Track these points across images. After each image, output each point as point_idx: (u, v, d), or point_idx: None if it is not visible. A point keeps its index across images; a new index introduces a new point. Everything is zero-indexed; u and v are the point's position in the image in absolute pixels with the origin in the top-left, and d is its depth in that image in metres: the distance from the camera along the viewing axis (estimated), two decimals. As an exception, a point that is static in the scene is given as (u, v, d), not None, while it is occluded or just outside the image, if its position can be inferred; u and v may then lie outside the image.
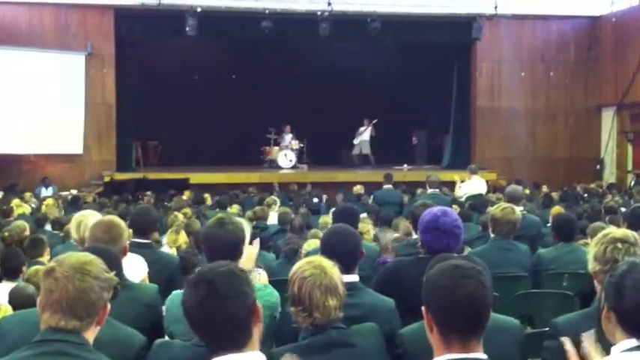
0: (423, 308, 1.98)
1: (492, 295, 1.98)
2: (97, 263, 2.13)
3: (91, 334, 2.10)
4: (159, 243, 5.78)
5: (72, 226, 3.97)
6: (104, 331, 2.45)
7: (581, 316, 2.72)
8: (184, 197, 11.33)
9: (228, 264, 1.98)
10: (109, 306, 2.14)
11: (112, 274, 2.16)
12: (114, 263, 2.74)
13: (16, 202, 9.67)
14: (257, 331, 1.93)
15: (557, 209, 7.56)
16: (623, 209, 7.94)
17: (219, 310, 1.85)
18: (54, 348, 2.01)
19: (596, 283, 2.77)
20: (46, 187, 14.30)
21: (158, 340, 2.61)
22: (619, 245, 2.73)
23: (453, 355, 1.92)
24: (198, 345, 2.39)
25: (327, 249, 3.05)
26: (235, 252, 2.90)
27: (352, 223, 3.94)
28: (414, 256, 3.58)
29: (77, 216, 4.03)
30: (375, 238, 6.04)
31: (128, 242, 3.52)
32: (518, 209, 5.58)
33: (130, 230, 4.33)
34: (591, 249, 2.83)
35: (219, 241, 2.92)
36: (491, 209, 5.10)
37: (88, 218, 3.87)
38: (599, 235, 2.86)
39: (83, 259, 2.11)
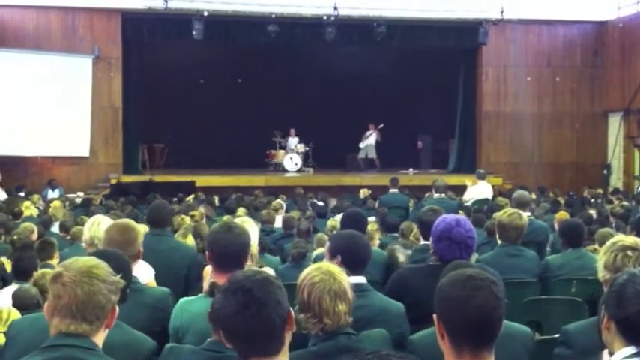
0: (434, 316, 1.98)
1: (504, 305, 1.97)
2: (103, 266, 2.13)
3: (100, 338, 2.11)
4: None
5: (85, 226, 4.02)
6: (115, 335, 2.45)
7: (591, 323, 2.71)
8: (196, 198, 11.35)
9: (261, 272, 2.00)
10: (117, 309, 2.15)
11: (118, 277, 2.16)
12: (123, 267, 2.74)
13: (26, 204, 9.70)
14: (288, 338, 1.95)
15: (562, 214, 7.54)
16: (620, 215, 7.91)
17: (256, 318, 1.87)
18: (64, 353, 2.02)
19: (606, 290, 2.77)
20: (53, 189, 14.34)
21: (168, 344, 2.62)
22: (629, 253, 2.73)
23: (464, 364, 1.92)
24: (208, 349, 2.42)
25: (336, 250, 3.05)
26: (242, 257, 2.91)
27: (360, 228, 3.94)
28: (424, 263, 3.58)
29: (93, 218, 4.09)
30: (382, 246, 6.01)
31: (142, 247, 3.53)
32: (526, 214, 5.57)
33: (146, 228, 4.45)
34: (600, 257, 2.83)
35: (226, 246, 2.92)
36: (497, 215, 5.07)
37: (101, 220, 3.91)
38: (609, 242, 2.86)
39: (90, 263, 2.12)
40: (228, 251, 2.91)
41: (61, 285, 2.05)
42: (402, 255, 4.86)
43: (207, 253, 3.06)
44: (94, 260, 2.16)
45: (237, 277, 1.98)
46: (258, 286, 1.90)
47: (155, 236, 4.33)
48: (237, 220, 3.73)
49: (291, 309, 1.96)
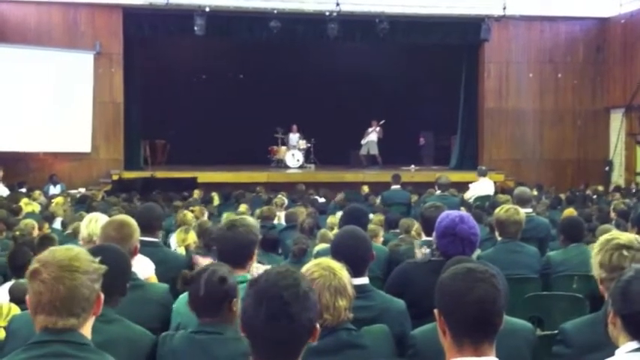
0: (435, 311, 1.97)
1: (506, 298, 1.97)
2: (83, 256, 2.02)
3: (88, 328, 2.04)
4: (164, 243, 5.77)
5: (83, 223, 4.00)
6: (116, 330, 2.46)
7: (589, 321, 2.72)
8: (194, 196, 11.35)
9: (299, 281, 1.86)
10: (102, 295, 2.06)
11: (97, 262, 2.05)
12: (123, 262, 2.75)
13: (24, 200, 9.70)
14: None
15: (570, 211, 7.53)
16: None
17: (284, 331, 1.79)
18: (53, 350, 1.95)
19: (602, 288, 2.74)
20: (54, 184, 14.33)
21: (162, 334, 2.65)
22: (625, 252, 2.71)
23: (465, 359, 1.91)
24: (198, 331, 2.49)
25: (338, 252, 3.05)
26: (246, 255, 2.93)
27: (361, 224, 3.94)
28: (426, 259, 3.58)
29: (90, 215, 4.07)
30: (384, 242, 6.00)
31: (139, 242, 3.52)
32: (526, 210, 5.57)
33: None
34: (595, 254, 2.79)
35: (230, 243, 2.94)
36: (496, 212, 5.08)
37: (99, 217, 3.90)
38: (602, 239, 2.81)
39: (69, 255, 2.01)
40: (229, 249, 2.93)
41: (41, 282, 1.95)
42: (419, 252, 4.84)
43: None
44: (72, 251, 2.04)
45: (277, 282, 1.83)
46: (296, 301, 1.80)
47: (143, 247, 4.19)
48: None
49: (317, 325, 1.89)
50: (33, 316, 2.00)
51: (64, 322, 1.98)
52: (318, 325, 1.89)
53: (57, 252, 2.04)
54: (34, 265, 2.01)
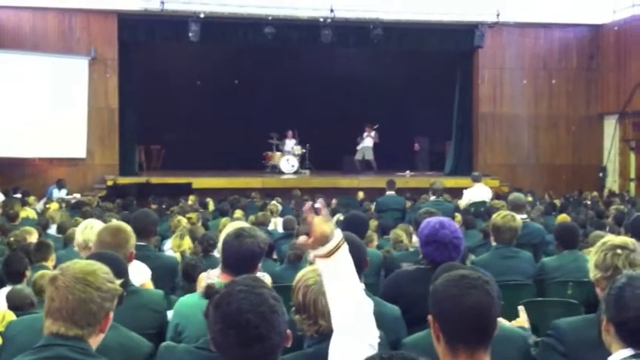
0: (429, 317, 1.98)
1: (499, 305, 1.98)
2: (100, 274, 2.12)
3: (93, 342, 2.11)
4: (157, 248, 5.78)
5: (78, 229, 4.02)
6: (111, 337, 2.46)
7: (584, 321, 2.72)
8: (189, 202, 11.34)
9: (263, 296, 1.83)
10: (111, 315, 2.15)
11: (116, 284, 2.15)
12: (120, 270, 2.75)
13: (17, 206, 9.67)
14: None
15: (563, 217, 7.55)
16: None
17: (258, 350, 1.79)
18: (57, 352, 2.03)
19: (598, 290, 2.77)
20: (60, 188, 14.29)
21: (163, 343, 2.65)
22: (618, 251, 2.74)
23: (460, 364, 1.92)
24: (201, 348, 2.45)
25: None
26: (250, 266, 2.93)
27: (361, 231, 3.95)
28: (416, 266, 3.59)
29: (85, 221, 4.08)
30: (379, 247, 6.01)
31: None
32: (521, 216, 5.59)
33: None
34: (591, 257, 2.83)
35: (235, 252, 2.95)
36: (492, 217, 5.10)
37: (94, 223, 3.91)
38: (599, 243, 2.87)
39: (87, 269, 2.11)
40: (234, 258, 2.96)
41: (55, 289, 2.06)
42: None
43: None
44: (92, 266, 2.14)
45: (241, 305, 1.80)
46: (264, 322, 1.79)
47: (137, 251, 4.14)
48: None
49: (289, 331, 1.89)
50: (44, 319, 2.10)
51: (67, 330, 2.06)
52: (289, 331, 1.89)
53: (78, 264, 2.16)
54: (55, 271, 2.14)
